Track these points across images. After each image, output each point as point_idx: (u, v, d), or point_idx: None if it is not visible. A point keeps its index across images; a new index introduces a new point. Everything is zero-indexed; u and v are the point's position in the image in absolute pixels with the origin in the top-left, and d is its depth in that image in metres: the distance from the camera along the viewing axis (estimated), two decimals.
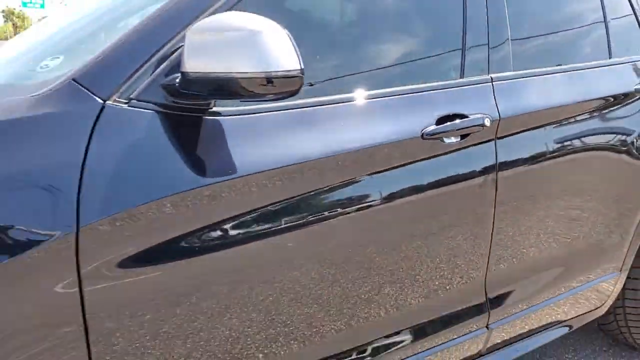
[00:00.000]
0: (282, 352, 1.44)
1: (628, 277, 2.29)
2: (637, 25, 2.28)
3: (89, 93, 1.20)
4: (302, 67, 1.18)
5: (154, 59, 1.26)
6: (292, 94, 1.21)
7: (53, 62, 1.45)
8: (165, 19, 1.31)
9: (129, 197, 1.17)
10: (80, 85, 1.21)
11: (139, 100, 1.23)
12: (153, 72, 1.26)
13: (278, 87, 1.19)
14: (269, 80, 1.17)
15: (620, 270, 2.23)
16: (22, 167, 1.10)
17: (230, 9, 1.35)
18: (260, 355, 1.41)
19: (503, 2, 1.81)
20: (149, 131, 1.23)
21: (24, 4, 37.61)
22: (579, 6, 2.18)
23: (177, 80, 1.23)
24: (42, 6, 36.31)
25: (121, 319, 1.19)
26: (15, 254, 1.07)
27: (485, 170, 1.70)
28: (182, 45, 1.24)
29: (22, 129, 1.14)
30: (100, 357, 1.17)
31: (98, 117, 1.18)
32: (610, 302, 2.25)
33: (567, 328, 2.15)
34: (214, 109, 1.30)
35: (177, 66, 1.25)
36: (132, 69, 1.24)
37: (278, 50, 1.16)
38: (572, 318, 2.14)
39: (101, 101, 1.20)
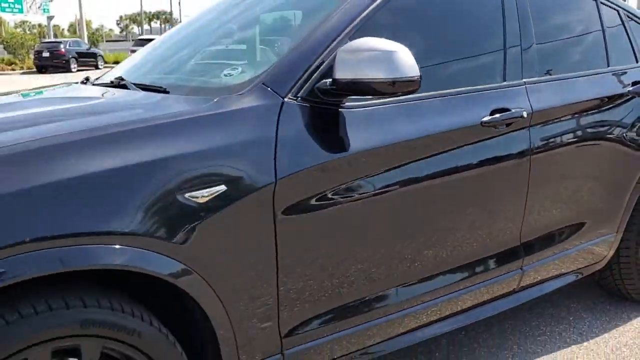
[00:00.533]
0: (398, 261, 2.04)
1: (622, 239, 2.92)
2: (629, 44, 2.93)
3: (274, 93, 1.79)
4: (420, 74, 1.78)
5: (311, 70, 1.85)
6: (412, 92, 1.81)
7: (234, 72, 2.03)
8: (316, 43, 1.90)
9: (304, 160, 1.76)
10: (268, 87, 1.79)
11: (302, 98, 1.82)
12: (311, 79, 1.84)
13: (399, 88, 1.79)
14: (394, 83, 1.77)
15: (617, 232, 2.86)
16: (240, 139, 1.68)
17: (352, 36, 1.94)
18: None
19: (532, 33, 2.44)
20: (309, 118, 1.82)
21: (2, 9, 37.36)
22: (585, 29, 2.81)
23: (328, 84, 1.81)
24: (21, 11, 35.99)
25: (298, 243, 1.78)
26: (238, 198, 1.65)
27: (523, 150, 2.31)
28: (326, 61, 1.83)
29: (237, 116, 1.72)
30: (284, 266, 1.75)
31: (281, 108, 1.77)
32: (609, 257, 2.87)
33: (579, 275, 2.78)
34: (346, 104, 1.89)
35: (325, 75, 1.84)
36: (299, 77, 1.83)
37: (403, 63, 1.76)
38: (582, 267, 2.77)
39: (281, 98, 1.78)
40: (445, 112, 2.12)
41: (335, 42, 1.90)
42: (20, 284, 1.35)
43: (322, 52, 1.89)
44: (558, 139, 2.47)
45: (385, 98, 1.93)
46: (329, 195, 1.81)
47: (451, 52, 2.30)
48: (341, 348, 1.99)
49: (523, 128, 2.32)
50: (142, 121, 1.64)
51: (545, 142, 2.41)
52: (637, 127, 2.79)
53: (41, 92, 2.57)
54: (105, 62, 32.88)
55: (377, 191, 1.92)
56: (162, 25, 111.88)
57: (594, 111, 2.64)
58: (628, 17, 3.01)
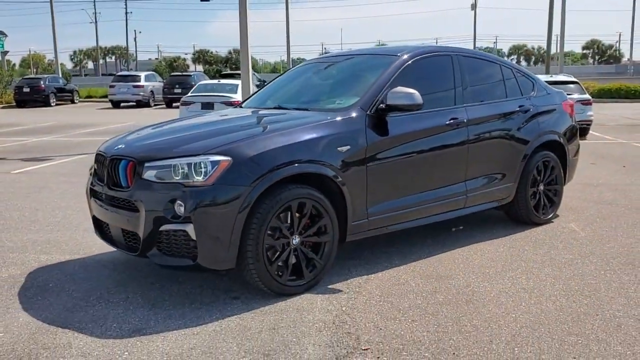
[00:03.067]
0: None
1: (518, 185, 5.60)
2: (517, 86, 5.68)
3: (363, 110, 4.38)
4: (422, 102, 4.41)
5: (376, 99, 4.46)
6: (418, 109, 4.45)
7: (341, 101, 4.62)
8: (377, 88, 4.52)
9: (374, 137, 4.34)
10: (361, 108, 4.39)
11: (372, 113, 4.41)
12: (375, 104, 4.44)
13: (413, 108, 4.42)
14: (411, 105, 4.39)
15: (515, 182, 5.54)
16: (354, 128, 4.25)
17: (391, 84, 4.56)
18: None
19: (467, 81, 5.14)
20: (375, 121, 4.40)
21: None
22: (494, 79, 5.55)
23: (383, 107, 4.42)
24: (2, 47, 37.24)
25: (373, 174, 4.36)
26: (355, 152, 4.21)
27: (464, 138, 4.97)
28: (381, 97, 4.44)
29: (353, 119, 4.30)
30: (369, 184, 4.30)
31: (366, 117, 4.36)
32: (512, 195, 5.55)
33: (499, 202, 5.44)
34: (389, 115, 4.48)
35: (381, 103, 4.45)
36: (371, 104, 4.43)
37: (416, 97, 4.38)
38: (499, 199, 5.45)
39: (365, 113, 4.38)
40: (430, 118, 4.76)
41: (384, 89, 4.50)
42: (286, 178, 3.87)
43: (379, 93, 4.50)
44: (481, 133, 5.15)
45: (405, 113, 4.52)
46: (384, 154, 4.40)
47: (432, 91, 4.95)
48: (388, 220, 4.54)
49: (463, 127, 4.99)
50: (321, 120, 4.21)
51: (475, 134, 5.09)
52: (520, 128, 5.52)
53: (236, 112, 5.22)
54: (80, 97, 34.76)
55: (401, 153, 4.51)
56: (117, 61, 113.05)
57: (499, 120, 5.34)
58: (517, 71, 5.79)
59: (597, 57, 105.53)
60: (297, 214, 3.94)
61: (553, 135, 5.86)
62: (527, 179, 5.64)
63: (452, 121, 4.89)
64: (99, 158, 4.29)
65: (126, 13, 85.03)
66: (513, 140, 5.48)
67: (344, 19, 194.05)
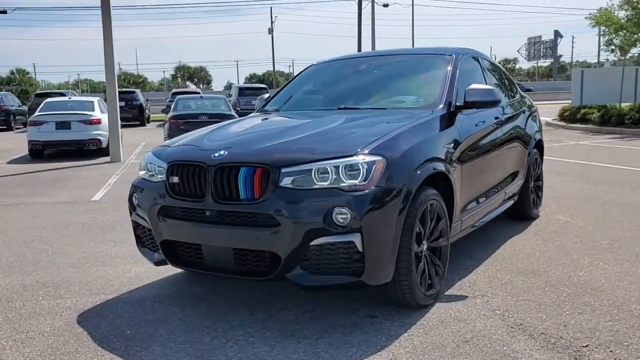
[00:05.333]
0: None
1: (524, 182, 5.85)
2: (510, 85, 5.96)
3: (447, 107, 4.21)
4: (501, 99, 4.38)
5: (453, 96, 4.32)
6: (494, 106, 4.42)
7: (420, 99, 4.39)
8: (451, 84, 4.38)
9: (462, 131, 4.20)
10: (445, 105, 4.22)
11: (452, 109, 4.27)
12: (455, 100, 4.31)
13: (491, 105, 4.38)
14: (489, 102, 4.34)
15: (523, 178, 5.77)
16: (446, 124, 4.07)
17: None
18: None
19: (490, 78, 5.25)
20: (455, 116, 4.27)
21: None
22: (502, 75, 5.75)
23: (462, 103, 4.30)
24: None
25: (466, 166, 4.22)
26: (455, 148, 4.04)
27: (502, 134, 5.07)
28: (455, 95, 4.33)
29: (444, 116, 4.11)
30: (462, 176, 4.15)
31: (449, 114, 4.20)
32: (518, 192, 5.77)
33: (513, 200, 5.61)
34: (462, 112, 4.38)
35: (461, 98, 4.33)
36: (453, 99, 4.28)
37: (496, 93, 4.34)
38: (515, 195, 5.61)
39: (449, 110, 4.22)
40: (484, 116, 4.73)
41: (455, 86, 4.38)
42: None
43: (454, 90, 4.38)
44: (509, 131, 5.29)
45: (477, 109, 4.45)
46: (469, 151, 4.28)
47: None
48: (469, 219, 4.42)
49: (501, 125, 5.09)
50: (422, 117, 3.94)
51: (506, 132, 5.20)
52: (525, 126, 5.79)
53: (302, 115, 4.63)
54: None
55: (477, 149, 4.43)
56: None
57: (515, 119, 5.54)
58: (506, 76, 6.07)
59: None
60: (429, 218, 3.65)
61: (539, 134, 6.26)
62: (530, 175, 5.92)
63: (497, 119, 4.94)
64: (186, 169, 3.50)
65: None
66: (523, 138, 5.72)
67: (139, 39, 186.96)
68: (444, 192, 3.87)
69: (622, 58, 23.05)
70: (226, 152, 3.43)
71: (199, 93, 26.49)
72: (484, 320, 3.43)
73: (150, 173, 3.83)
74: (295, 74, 4.82)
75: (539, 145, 6.27)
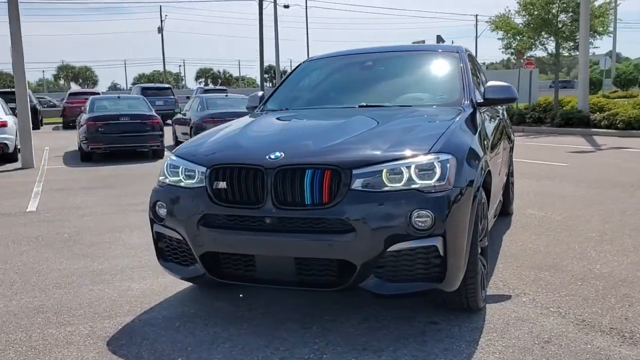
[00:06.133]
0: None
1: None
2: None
3: (472, 103, 4.14)
4: (518, 96, 4.38)
5: (473, 92, 4.26)
6: (512, 102, 4.40)
7: (444, 96, 4.26)
8: (468, 81, 4.32)
9: (481, 124, 4.15)
10: (469, 102, 4.14)
11: (474, 106, 4.20)
12: (475, 98, 4.25)
13: (509, 102, 4.36)
14: (508, 99, 4.32)
15: (507, 175, 5.87)
16: (475, 120, 4.01)
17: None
18: None
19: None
20: (479, 112, 4.20)
21: None
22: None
23: (482, 100, 4.26)
24: None
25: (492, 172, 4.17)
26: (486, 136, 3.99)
27: (499, 128, 5.10)
28: (475, 93, 4.28)
29: (473, 112, 4.03)
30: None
31: (473, 111, 4.13)
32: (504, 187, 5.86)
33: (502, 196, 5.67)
34: (481, 108, 4.33)
35: (481, 96, 4.28)
36: (472, 96, 4.22)
37: (512, 91, 4.32)
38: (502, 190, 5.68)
39: (473, 106, 4.15)
40: (487, 111, 4.74)
41: (471, 83, 4.32)
42: None
43: (472, 87, 4.32)
44: (503, 126, 5.34)
45: (490, 105, 4.42)
46: (492, 147, 4.25)
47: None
48: (490, 214, 4.39)
49: (498, 119, 5.12)
50: (456, 114, 3.82)
51: (502, 126, 5.25)
52: (506, 121, 5.88)
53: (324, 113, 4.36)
54: None
55: (494, 145, 4.41)
56: None
57: (501, 112, 5.60)
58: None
59: (274, 81, 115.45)
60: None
61: (510, 129, 6.41)
62: (509, 171, 6.04)
63: (497, 115, 4.97)
64: (236, 172, 3.14)
65: None
66: (508, 134, 5.81)
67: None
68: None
69: (522, 60, 24.55)
70: (283, 154, 3.12)
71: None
72: (546, 318, 3.38)
73: (178, 178, 3.42)
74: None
75: (511, 141, 6.42)
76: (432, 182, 3.00)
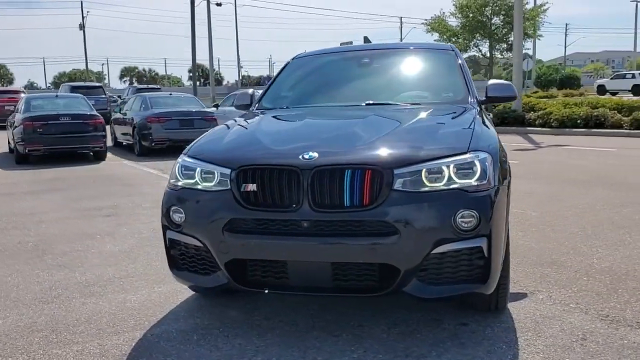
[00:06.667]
0: None
1: None
2: None
3: (475, 101, 4.11)
4: (518, 95, 4.40)
5: (476, 92, 4.25)
6: (512, 100, 4.41)
7: (450, 94, 4.19)
8: (469, 79, 4.29)
9: (483, 120, 4.15)
10: (475, 100, 4.11)
11: (475, 105, 4.17)
12: (477, 98, 4.23)
13: (509, 100, 4.37)
14: (509, 97, 4.33)
15: None
16: (481, 117, 3.99)
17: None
18: None
19: None
20: (481, 109, 4.19)
21: None
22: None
23: (484, 98, 4.24)
24: None
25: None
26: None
27: None
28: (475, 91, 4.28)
29: (478, 111, 4.01)
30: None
31: (480, 109, 4.12)
32: None
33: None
34: (482, 106, 4.32)
35: (484, 94, 4.27)
36: (475, 96, 4.20)
37: (513, 89, 4.33)
38: None
39: (478, 104, 4.13)
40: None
41: (471, 81, 4.30)
42: None
43: (473, 85, 4.30)
44: None
45: (492, 103, 4.41)
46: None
47: None
48: None
49: None
50: (471, 113, 3.78)
51: None
52: None
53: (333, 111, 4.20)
54: None
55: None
56: None
57: None
58: None
59: (202, 80, 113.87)
60: None
61: None
62: None
63: (489, 114, 4.98)
64: (268, 174, 2.93)
65: None
66: None
67: None
68: None
69: None
70: (317, 154, 2.95)
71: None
72: (571, 315, 3.39)
73: (193, 181, 3.18)
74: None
75: None
76: (472, 181, 2.92)
